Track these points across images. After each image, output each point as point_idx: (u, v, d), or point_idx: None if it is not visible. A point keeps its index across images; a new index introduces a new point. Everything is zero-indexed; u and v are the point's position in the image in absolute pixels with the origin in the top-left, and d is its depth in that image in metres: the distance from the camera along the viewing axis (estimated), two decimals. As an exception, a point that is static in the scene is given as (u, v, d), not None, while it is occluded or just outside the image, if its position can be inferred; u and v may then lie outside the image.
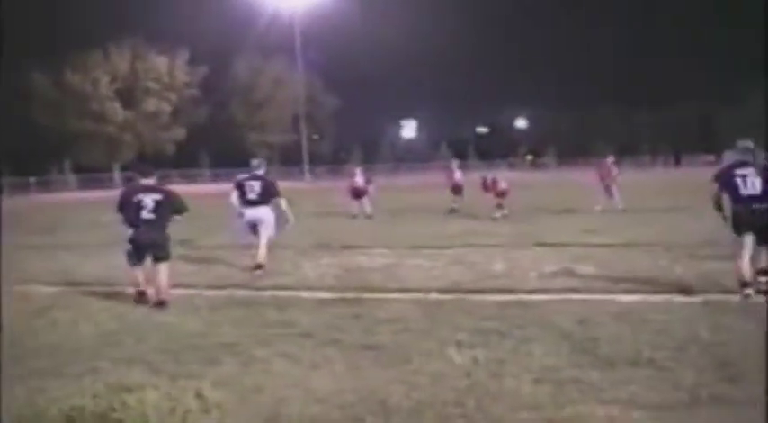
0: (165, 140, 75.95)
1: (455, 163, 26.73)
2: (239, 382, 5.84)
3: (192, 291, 10.36)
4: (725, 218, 9.10)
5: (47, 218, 31.06)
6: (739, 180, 8.89)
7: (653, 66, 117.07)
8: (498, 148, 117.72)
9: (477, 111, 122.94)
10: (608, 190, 22.83)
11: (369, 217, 22.66)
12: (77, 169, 75.53)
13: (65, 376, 6.19)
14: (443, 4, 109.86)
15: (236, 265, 12.88)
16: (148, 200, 9.48)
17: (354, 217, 22.71)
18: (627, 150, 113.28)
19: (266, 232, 12.07)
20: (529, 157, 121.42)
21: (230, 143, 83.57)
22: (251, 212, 12.06)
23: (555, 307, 8.47)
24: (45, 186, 69.14)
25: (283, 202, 12.15)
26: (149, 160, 63.40)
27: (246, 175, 12.44)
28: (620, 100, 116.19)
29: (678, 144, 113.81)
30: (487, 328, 7.43)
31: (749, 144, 9.33)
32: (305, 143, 78.23)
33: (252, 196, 12.03)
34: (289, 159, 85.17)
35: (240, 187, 12.17)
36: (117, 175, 75.08)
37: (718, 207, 9.14)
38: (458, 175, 25.20)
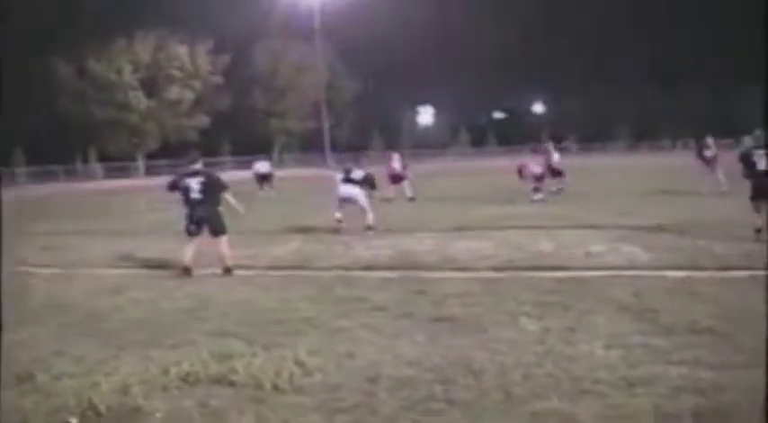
0: (188, 128, 76.15)
1: (551, 145, 26.30)
2: (331, 350, 6.36)
3: (252, 272, 10.97)
4: None
5: (86, 205, 31.80)
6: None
7: (670, 48, 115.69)
8: (517, 134, 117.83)
9: (493, 96, 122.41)
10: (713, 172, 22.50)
11: (411, 200, 23.20)
12: (102, 158, 76.06)
13: (164, 347, 6.74)
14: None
15: (285, 247, 13.54)
16: (194, 183, 10.96)
17: (390, 201, 23.16)
18: (645, 134, 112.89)
19: (363, 202, 15.30)
20: (550, 142, 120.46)
21: (252, 130, 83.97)
22: (345, 189, 15.40)
23: (608, 282, 8.93)
24: (72, 175, 69.78)
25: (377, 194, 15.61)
26: (179, 147, 64.09)
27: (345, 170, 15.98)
28: (635, 83, 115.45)
29: (695, 127, 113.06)
30: (549, 301, 7.93)
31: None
32: (327, 130, 78.60)
33: (354, 176, 15.68)
34: (309, 146, 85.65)
35: (347, 172, 15.76)
36: (141, 163, 75.69)
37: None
38: (556, 157, 24.97)
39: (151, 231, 17.19)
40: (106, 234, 17.69)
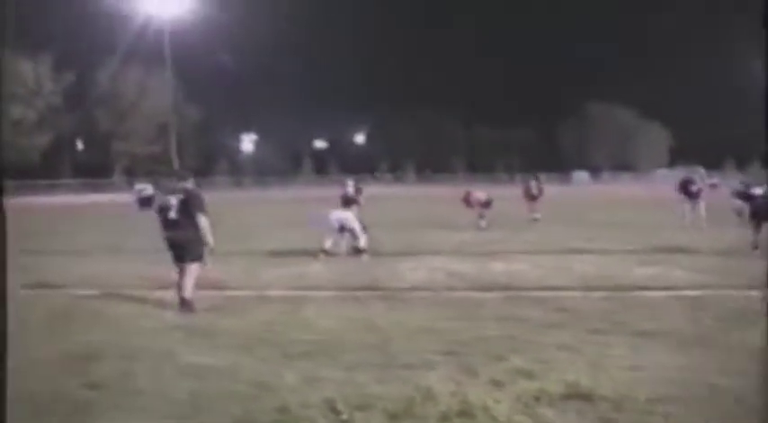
0: (29, 148, 72.05)
1: (533, 180, 27.40)
2: (599, 366, 6.39)
3: (325, 293, 10.74)
4: None
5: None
6: None
7: (495, 82, 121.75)
8: (344, 163, 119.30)
9: (316, 124, 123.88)
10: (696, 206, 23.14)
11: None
12: (-72, 177, 70.38)
13: (414, 368, 6.48)
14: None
15: (301, 269, 13.41)
16: (174, 201, 9.76)
17: None
18: (477, 167, 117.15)
19: (355, 225, 14.87)
20: (378, 174, 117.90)
21: (95, 152, 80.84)
22: (338, 213, 15.22)
23: (706, 301, 9.50)
24: None
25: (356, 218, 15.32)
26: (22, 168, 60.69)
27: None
28: (463, 117, 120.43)
29: (522, 161, 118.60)
30: (714, 315, 8.42)
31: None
32: (174, 153, 76.67)
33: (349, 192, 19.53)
34: (154, 170, 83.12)
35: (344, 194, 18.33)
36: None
37: None
38: (533, 188, 26.39)
39: (108, 250, 16.37)
40: (64, 254, 16.21)
